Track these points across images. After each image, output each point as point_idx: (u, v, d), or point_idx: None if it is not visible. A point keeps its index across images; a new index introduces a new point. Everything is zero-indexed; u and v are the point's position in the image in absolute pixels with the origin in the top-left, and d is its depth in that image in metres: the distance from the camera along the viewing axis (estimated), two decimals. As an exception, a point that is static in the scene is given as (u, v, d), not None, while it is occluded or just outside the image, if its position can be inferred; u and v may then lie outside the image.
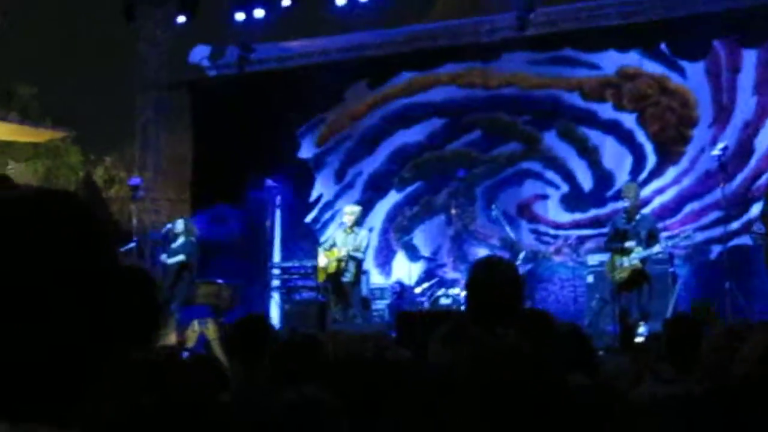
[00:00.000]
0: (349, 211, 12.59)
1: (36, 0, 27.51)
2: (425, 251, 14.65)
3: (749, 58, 13.14)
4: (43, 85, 27.66)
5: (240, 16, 15.21)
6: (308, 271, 13.90)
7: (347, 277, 12.21)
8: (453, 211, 14.10)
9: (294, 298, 14.15)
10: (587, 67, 14.17)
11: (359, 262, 12.39)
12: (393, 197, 15.36)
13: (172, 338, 10.73)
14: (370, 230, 13.98)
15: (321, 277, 12.50)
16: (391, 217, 15.35)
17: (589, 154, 14.09)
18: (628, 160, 13.77)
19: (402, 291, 13.91)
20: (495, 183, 14.66)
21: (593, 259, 12.67)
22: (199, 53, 16.48)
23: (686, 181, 13.34)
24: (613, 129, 13.93)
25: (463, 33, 14.95)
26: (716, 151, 11.69)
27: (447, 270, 14.46)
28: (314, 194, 15.88)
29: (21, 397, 1.11)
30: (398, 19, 15.48)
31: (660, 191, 13.40)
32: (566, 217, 14.20)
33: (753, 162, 12.86)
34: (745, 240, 12.09)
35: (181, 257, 12.25)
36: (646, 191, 12.88)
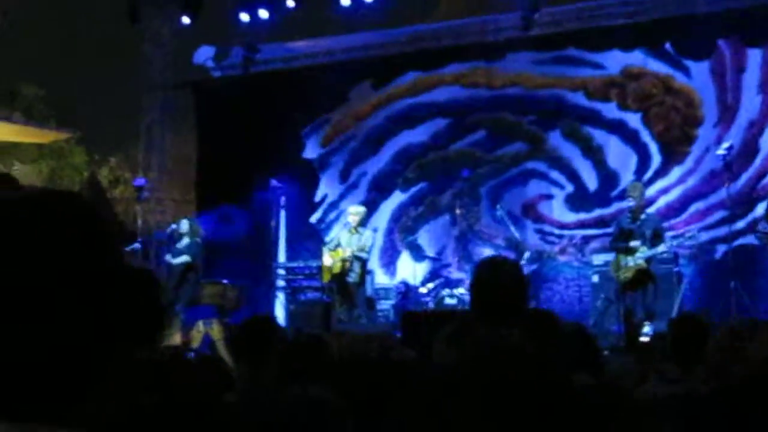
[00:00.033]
0: (354, 211, 12.60)
1: (40, 0, 27.52)
2: (430, 251, 14.64)
3: (754, 57, 13.12)
4: (47, 86, 27.71)
5: (244, 17, 15.25)
6: (313, 272, 13.92)
7: (352, 278, 12.22)
8: (458, 211, 14.08)
9: (299, 298, 14.16)
10: (592, 67, 14.16)
11: (364, 263, 12.40)
12: (397, 197, 15.35)
13: (177, 339, 10.72)
14: (375, 230, 13.97)
15: (326, 278, 12.50)
16: (395, 217, 15.34)
17: (594, 154, 14.07)
18: (632, 160, 13.75)
19: (407, 291, 13.90)
20: (499, 183, 14.65)
21: (598, 259, 12.65)
22: (204, 54, 16.51)
23: (691, 181, 13.32)
24: (618, 129, 13.91)
25: (467, 33, 14.95)
26: (721, 151, 11.68)
27: (452, 270, 14.44)
28: (319, 194, 15.88)
29: (23, 397, 1.12)
30: (402, 19, 15.48)
31: (665, 191, 13.39)
32: (571, 217, 14.18)
33: (758, 161, 12.84)
34: (750, 239, 12.08)
35: (186, 258, 12.25)
36: (650, 191, 12.86)
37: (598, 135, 14.07)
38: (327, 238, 13.37)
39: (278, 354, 3.92)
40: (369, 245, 12.44)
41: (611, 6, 13.93)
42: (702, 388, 3.80)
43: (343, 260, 12.17)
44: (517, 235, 12.96)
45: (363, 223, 12.57)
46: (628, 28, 13.71)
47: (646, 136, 13.73)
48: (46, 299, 1.13)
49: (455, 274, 14.26)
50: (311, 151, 15.96)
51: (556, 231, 14.23)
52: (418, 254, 14.54)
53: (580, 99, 14.20)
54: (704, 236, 12.41)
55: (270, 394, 3.50)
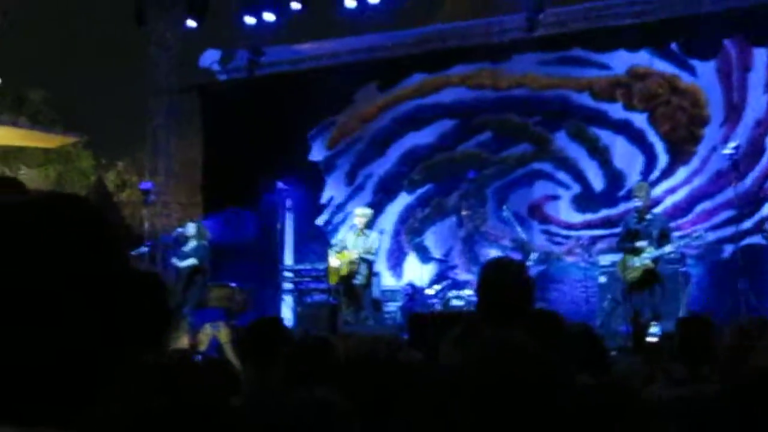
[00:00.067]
0: (360, 213, 12.61)
1: (46, 4, 27.59)
2: (436, 253, 14.64)
3: (760, 56, 13.10)
4: (53, 91, 27.75)
5: (250, 20, 15.26)
6: (320, 274, 13.92)
7: (359, 280, 12.22)
8: (464, 213, 14.07)
9: (306, 300, 14.16)
10: (597, 67, 14.15)
11: (370, 264, 12.40)
12: (404, 199, 15.35)
13: (184, 341, 10.74)
14: (381, 232, 13.98)
15: (332, 280, 12.50)
16: (402, 219, 15.34)
17: (600, 154, 14.06)
18: (639, 160, 13.74)
19: (414, 293, 13.89)
20: (506, 184, 14.64)
21: (605, 260, 12.63)
22: (210, 57, 16.55)
23: (698, 181, 13.29)
24: (624, 129, 13.90)
25: (472, 34, 14.96)
26: (728, 150, 11.67)
27: (458, 271, 14.44)
28: (325, 197, 15.89)
29: (31, 401, 1.12)
30: (408, 20, 15.48)
31: (671, 191, 13.37)
32: (577, 218, 14.17)
33: (765, 160, 12.82)
34: (757, 239, 12.07)
35: (193, 260, 12.25)
36: (657, 191, 12.84)
37: (604, 135, 14.06)
38: (333, 241, 13.36)
39: (284, 356, 3.92)
40: (375, 247, 12.45)
41: (617, 6, 13.92)
42: (710, 389, 3.79)
43: (350, 262, 12.17)
44: (523, 236, 12.95)
45: (369, 225, 12.58)
46: (634, 28, 13.69)
47: (652, 136, 13.72)
48: (53, 303, 1.13)
49: (462, 275, 14.25)
50: (317, 154, 15.97)
51: (563, 232, 14.21)
52: (424, 256, 14.54)
53: (585, 99, 14.19)
54: (711, 236, 12.36)
55: (276, 397, 3.51)
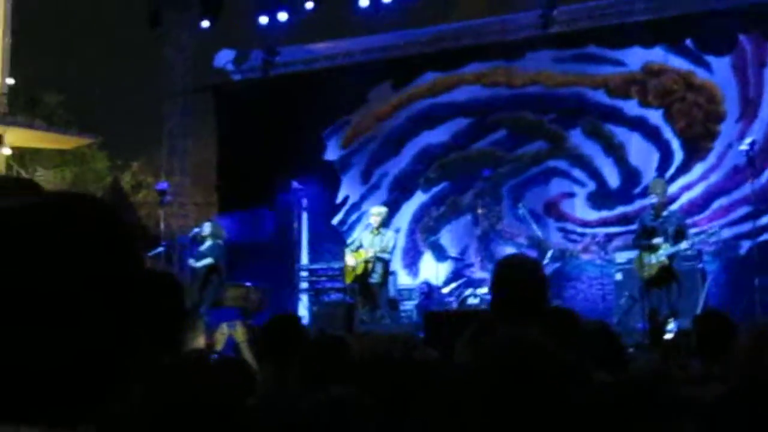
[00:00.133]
0: (376, 212, 12.60)
1: (60, 5, 27.71)
2: (452, 251, 14.62)
3: (775, 51, 13.05)
4: (68, 92, 27.87)
5: (264, 20, 15.29)
6: (335, 273, 13.93)
7: (374, 278, 12.22)
8: (479, 211, 14.05)
9: (322, 299, 14.17)
10: (612, 64, 14.11)
11: (386, 263, 12.39)
12: (419, 198, 15.35)
13: (200, 341, 10.71)
14: (397, 231, 13.99)
15: (348, 279, 12.51)
16: (417, 218, 15.34)
17: (615, 152, 14.02)
18: (654, 157, 13.69)
19: (429, 291, 13.88)
20: (521, 182, 14.62)
21: (621, 257, 12.60)
22: (224, 57, 16.59)
23: (714, 177, 13.24)
24: (639, 126, 13.86)
25: (486, 32, 14.95)
26: (744, 146, 11.58)
27: (474, 270, 14.43)
28: (340, 196, 15.91)
29: (47, 401, 1.12)
30: (421, 19, 15.49)
31: (687, 187, 13.32)
32: (593, 215, 14.14)
33: (781, 156, 12.75)
34: (774, 235, 12.00)
35: (209, 260, 12.28)
36: (673, 188, 12.79)
37: (620, 132, 14.02)
38: (349, 240, 13.39)
39: (300, 356, 3.93)
40: (391, 246, 12.44)
41: (631, 2, 13.87)
42: (728, 386, 3.77)
43: (366, 261, 12.18)
44: (539, 233, 12.94)
45: (385, 223, 12.58)
46: (649, 25, 13.65)
47: (667, 133, 13.67)
48: (69, 303, 1.13)
49: (478, 273, 14.24)
50: (332, 153, 15.99)
51: (579, 229, 14.19)
52: (440, 254, 14.53)
53: (600, 96, 14.15)
54: (728, 232, 12.32)
55: (292, 396, 3.51)
